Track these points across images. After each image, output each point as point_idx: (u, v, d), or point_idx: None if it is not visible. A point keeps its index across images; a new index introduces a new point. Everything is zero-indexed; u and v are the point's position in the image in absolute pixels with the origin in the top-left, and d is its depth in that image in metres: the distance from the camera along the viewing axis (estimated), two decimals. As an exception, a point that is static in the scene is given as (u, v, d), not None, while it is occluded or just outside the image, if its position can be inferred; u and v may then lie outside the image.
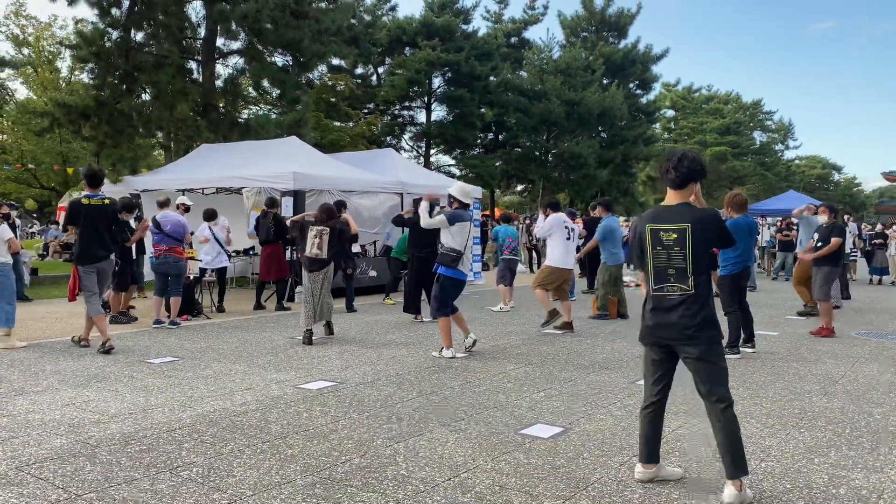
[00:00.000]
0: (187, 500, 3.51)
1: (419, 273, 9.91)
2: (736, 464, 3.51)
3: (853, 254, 16.91)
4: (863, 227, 24.95)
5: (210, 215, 10.86)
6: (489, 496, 3.61)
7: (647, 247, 3.70)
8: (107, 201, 7.63)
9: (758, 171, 58.17)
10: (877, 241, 19.08)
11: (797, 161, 69.38)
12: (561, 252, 9.15)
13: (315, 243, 8.31)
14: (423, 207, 7.96)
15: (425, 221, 7.58)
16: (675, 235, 3.62)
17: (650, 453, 3.81)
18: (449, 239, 7.38)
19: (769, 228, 20.92)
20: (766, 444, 4.53)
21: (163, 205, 9.60)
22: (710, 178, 54.66)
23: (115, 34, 17.43)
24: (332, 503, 3.50)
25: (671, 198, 3.75)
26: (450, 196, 7.58)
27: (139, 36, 18.20)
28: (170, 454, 4.20)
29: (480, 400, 5.57)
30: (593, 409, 5.36)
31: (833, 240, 8.90)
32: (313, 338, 8.12)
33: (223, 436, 4.58)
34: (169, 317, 9.19)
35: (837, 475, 3.98)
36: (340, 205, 11.26)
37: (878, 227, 20.89)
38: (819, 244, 9.05)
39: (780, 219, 19.46)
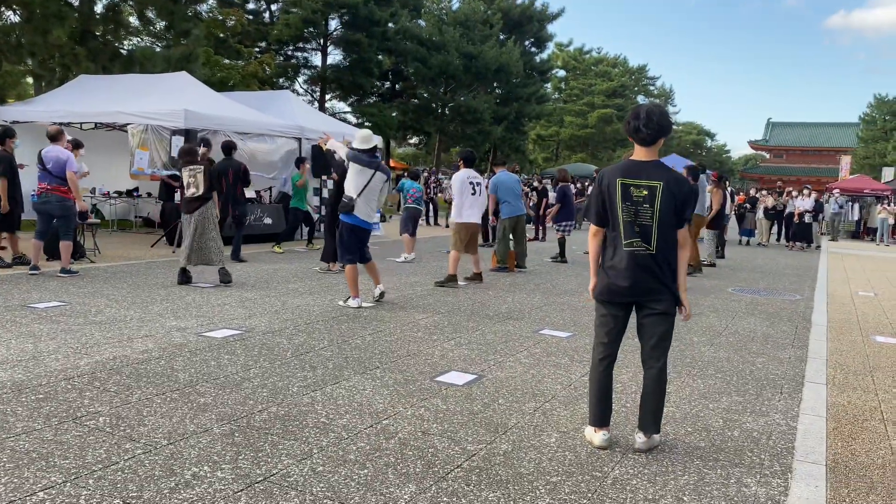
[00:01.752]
0: (97, 450, 3.33)
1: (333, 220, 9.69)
2: (657, 421, 3.68)
3: (726, 217, 18.08)
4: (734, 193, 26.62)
5: (76, 145, 9.93)
6: (413, 441, 3.65)
7: (616, 201, 3.56)
8: None
9: (640, 134, 60.63)
10: (747, 205, 20.51)
11: (676, 126, 72.89)
12: (467, 207, 9.23)
13: (190, 183, 8.01)
14: (336, 143, 7.87)
15: (343, 152, 7.56)
16: (646, 192, 3.52)
17: (605, 414, 3.73)
18: (348, 185, 7.28)
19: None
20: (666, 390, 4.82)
21: (53, 138, 8.57)
22: (596, 139, 56.69)
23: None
24: (254, 451, 3.43)
25: (641, 154, 3.63)
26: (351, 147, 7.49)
27: (6, -50, 16.42)
28: (70, 403, 3.96)
29: (392, 348, 5.59)
30: (503, 357, 5.50)
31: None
32: (205, 284, 7.82)
33: (127, 384, 4.35)
34: (59, 262, 8.46)
35: (731, 419, 4.31)
36: (230, 146, 10.81)
37: (752, 192, 22.41)
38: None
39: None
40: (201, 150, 10.43)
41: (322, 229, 11.91)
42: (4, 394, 4.06)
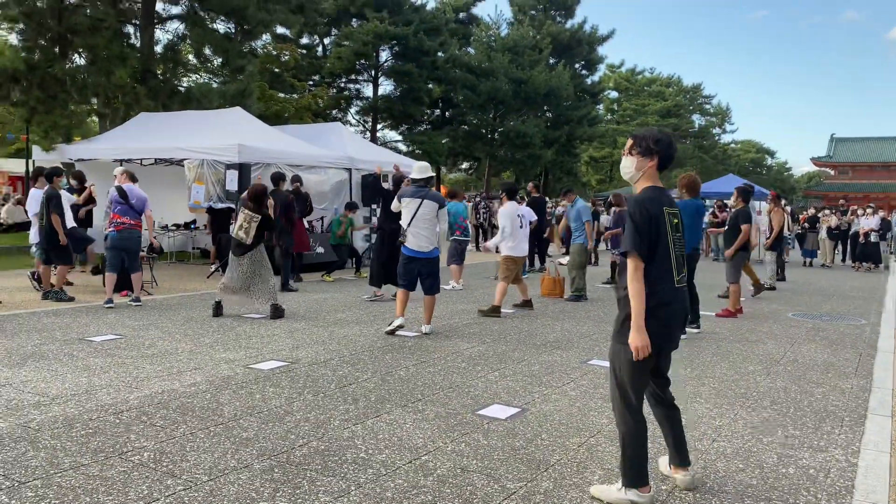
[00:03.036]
0: (140, 486, 3.38)
1: (386, 246, 9.78)
2: (686, 452, 3.56)
3: (789, 237, 17.53)
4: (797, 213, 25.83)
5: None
6: (451, 479, 3.59)
7: (666, 232, 3.28)
8: None
9: (696, 153, 59.67)
10: (808, 225, 19.83)
11: (733, 145, 71.41)
12: (519, 240, 9.26)
13: (243, 226, 8.14)
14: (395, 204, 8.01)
15: (394, 206, 7.69)
16: (677, 220, 3.39)
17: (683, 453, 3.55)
18: (402, 218, 7.46)
19: (709, 211, 21.48)
20: (717, 424, 4.65)
21: (132, 178, 9.10)
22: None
23: (46, -6, 16.54)
24: (292, 488, 3.43)
25: (658, 180, 3.43)
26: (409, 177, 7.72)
27: (72, -3, 17.32)
28: (118, 438, 4.04)
29: (436, 380, 5.55)
30: (548, 389, 5.40)
31: (743, 227, 9.33)
32: (256, 315, 7.94)
33: (174, 418, 4.43)
34: (132, 293, 8.89)
35: (786, 454, 4.11)
36: (278, 177, 11.09)
37: (811, 211, 21.69)
38: (726, 229, 9.42)
39: (716, 201, 19.97)
40: (292, 185, 11.42)
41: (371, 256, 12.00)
42: (56, 428, 4.17)
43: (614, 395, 3.37)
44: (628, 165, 3.46)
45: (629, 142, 3.49)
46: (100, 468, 3.59)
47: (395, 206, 7.66)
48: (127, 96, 17.27)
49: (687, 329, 7.92)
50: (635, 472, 3.29)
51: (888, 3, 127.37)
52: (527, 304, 9.50)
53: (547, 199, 18.55)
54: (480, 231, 21.61)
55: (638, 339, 3.16)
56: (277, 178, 11.10)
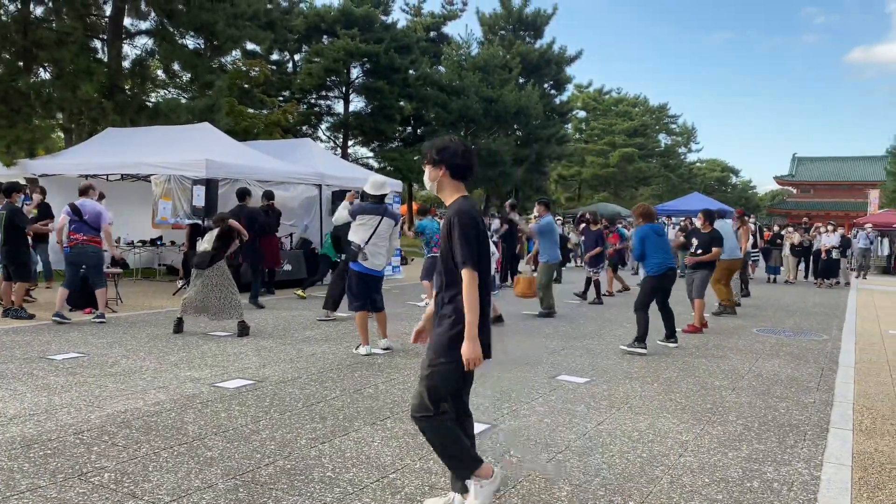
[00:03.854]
0: (100, 508, 3.30)
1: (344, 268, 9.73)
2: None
3: (754, 253, 17.79)
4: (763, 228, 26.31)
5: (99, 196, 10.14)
6: (419, 497, 3.57)
7: (485, 242, 3.33)
8: None
9: (662, 172, 60.57)
10: (771, 241, 20.19)
11: (698, 164, 72.67)
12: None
13: (207, 240, 8.18)
14: (343, 205, 7.93)
15: (334, 217, 7.62)
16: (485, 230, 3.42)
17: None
18: (352, 233, 7.26)
19: (674, 228, 21.78)
20: (683, 438, 4.70)
21: (83, 192, 8.91)
22: (618, 178, 56.63)
23: (11, 7, 16.29)
24: (257, 508, 3.37)
25: (462, 190, 3.45)
26: (362, 191, 7.53)
27: (39, 10, 17.08)
28: (78, 458, 3.95)
29: (405, 397, 5.52)
30: (517, 405, 5.40)
31: (714, 249, 9.65)
32: (222, 333, 7.84)
33: (136, 438, 4.34)
34: (96, 310, 8.73)
35: (750, 469, 4.16)
36: (243, 193, 11.07)
37: (775, 228, 22.12)
38: (699, 251, 9.68)
39: (683, 219, 20.28)
40: (266, 202, 11.63)
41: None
42: (14, 450, 4.06)
43: (424, 405, 3.26)
44: (425, 176, 3.44)
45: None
46: (58, 490, 3.50)
47: (342, 217, 7.47)
48: (93, 111, 17.05)
49: (667, 343, 8.20)
50: (467, 459, 3.30)
51: (844, 28, 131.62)
52: (498, 319, 9.52)
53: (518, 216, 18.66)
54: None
55: (471, 350, 3.14)
56: (243, 193, 11.03)
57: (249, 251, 10.75)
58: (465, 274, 3.17)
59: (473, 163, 3.39)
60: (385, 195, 7.45)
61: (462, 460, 3.31)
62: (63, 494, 3.45)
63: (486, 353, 3.25)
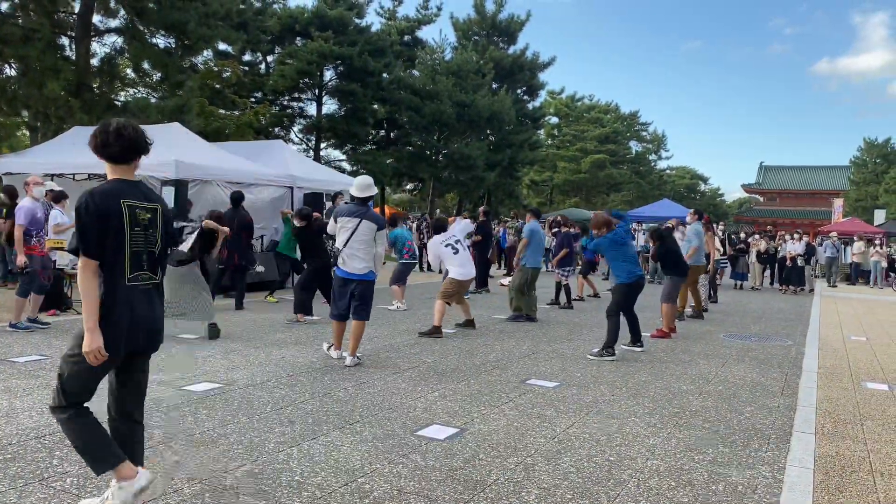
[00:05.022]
0: (61, 514, 3.24)
1: (314, 277, 9.84)
2: (142, 459, 3.37)
3: (723, 260, 18.05)
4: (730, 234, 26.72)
5: (58, 197, 9.90)
6: (387, 501, 3.56)
7: (123, 226, 3.15)
8: None
9: (633, 179, 61.19)
10: (739, 248, 20.53)
11: (668, 171, 73.57)
12: (459, 264, 9.38)
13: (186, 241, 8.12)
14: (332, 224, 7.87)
15: (328, 228, 7.51)
16: (148, 215, 3.31)
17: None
18: (338, 236, 7.08)
19: (643, 234, 22.03)
20: (650, 442, 4.74)
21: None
22: (589, 184, 57.13)
23: (-25, 2, 15.97)
24: (224, 513, 3.33)
25: (126, 173, 3.27)
26: (350, 193, 7.51)
27: (4, 6, 16.74)
28: (39, 463, 3.86)
29: (375, 401, 5.50)
30: (487, 409, 5.41)
31: (691, 248, 9.85)
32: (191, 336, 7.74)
33: (100, 442, 4.25)
34: (60, 312, 8.53)
35: (716, 472, 4.22)
36: (238, 198, 11.06)
37: (742, 235, 22.48)
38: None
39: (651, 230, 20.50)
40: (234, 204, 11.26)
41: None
42: (-28, 454, 3.96)
43: (55, 397, 3.16)
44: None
45: None
46: (18, 495, 3.42)
47: (330, 226, 7.32)
48: (60, 109, 16.71)
49: (633, 348, 8.27)
50: (100, 454, 3.14)
51: (809, 40, 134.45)
52: (469, 323, 9.58)
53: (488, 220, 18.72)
54: (425, 251, 21.66)
55: (91, 343, 2.98)
56: (237, 198, 11.12)
57: (242, 255, 10.87)
58: (79, 261, 3.05)
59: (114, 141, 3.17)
60: (370, 197, 7.21)
61: (95, 458, 3.14)
62: (24, 500, 3.37)
63: (115, 349, 3.06)
